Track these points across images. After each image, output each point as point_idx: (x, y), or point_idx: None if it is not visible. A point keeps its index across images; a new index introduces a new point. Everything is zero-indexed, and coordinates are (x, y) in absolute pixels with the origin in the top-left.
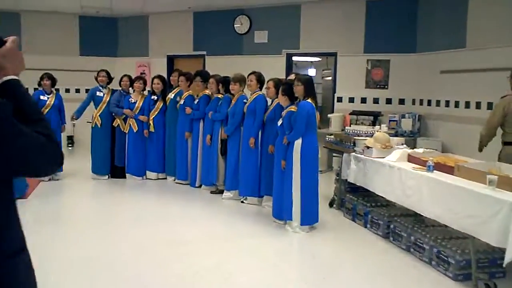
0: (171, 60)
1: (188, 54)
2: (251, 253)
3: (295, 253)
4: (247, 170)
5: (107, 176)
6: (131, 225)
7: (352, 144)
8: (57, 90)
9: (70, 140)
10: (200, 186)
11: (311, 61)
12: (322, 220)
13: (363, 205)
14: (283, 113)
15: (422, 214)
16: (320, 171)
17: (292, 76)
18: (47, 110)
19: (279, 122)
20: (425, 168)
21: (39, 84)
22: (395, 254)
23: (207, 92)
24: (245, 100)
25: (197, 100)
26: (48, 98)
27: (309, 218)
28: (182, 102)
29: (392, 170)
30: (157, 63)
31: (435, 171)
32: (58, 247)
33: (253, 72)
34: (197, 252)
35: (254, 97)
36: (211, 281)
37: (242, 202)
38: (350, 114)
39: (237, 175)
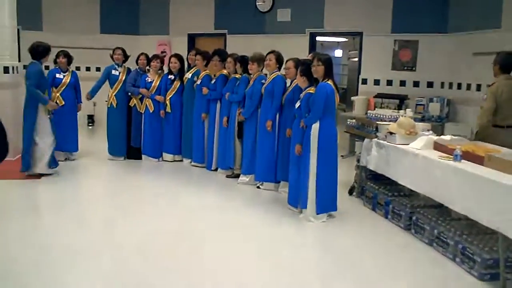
0: (192, 38)
1: (209, 32)
2: (262, 244)
3: (309, 245)
4: (264, 154)
5: (123, 157)
6: (142, 211)
7: (374, 129)
8: (78, 68)
9: (91, 119)
10: (216, 170)
11: (338, 42)
12: (340, 209)
13: (384, 194)
14: (301, 95)
15: (447, 207)
16: (342, 156)
17: (310, 56)
18: (62, 88)
19: (297, 105)
20: (452, 157)
21: (55, 62)
22: (416, 248)
23: (225, 72)
24: (263, 81)
25: (214, 80)
26: (64, 76)
27: (325, 206)
28: (199, 82)
29: (416, 158)
30: (178, 41)
31: (463, 160)
32: (65, 232)
33: (272, 51)
34: (207, 242)
35: (273, 77)
36: (220, 274)
37: (258, 187)
38: (375, 97)
39: (253, 159)
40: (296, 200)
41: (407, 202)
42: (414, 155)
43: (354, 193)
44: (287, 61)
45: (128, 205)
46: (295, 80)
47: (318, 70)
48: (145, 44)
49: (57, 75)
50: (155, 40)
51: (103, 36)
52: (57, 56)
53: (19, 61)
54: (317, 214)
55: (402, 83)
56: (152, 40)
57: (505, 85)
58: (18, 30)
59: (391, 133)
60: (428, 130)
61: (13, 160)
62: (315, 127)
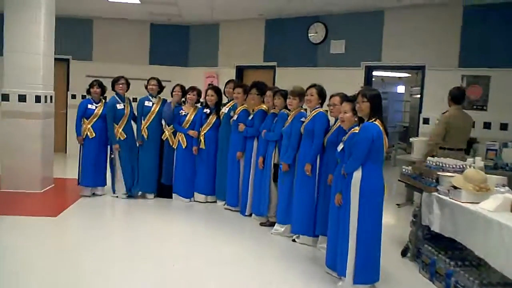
0: (240, 70)
1: (258, 64)
2: None
3: None
4: (301, 202)
5: (153, 195)
6: (167, 259)
7: (434, 181)
8: (105, 98)
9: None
10: (250, 215)
11: (399, 77)
12: (390, 275)
13: (446, 262)
14: (345, 137)
15: None
16: (397, 205)
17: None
18: (94, 120)
19: (339, 147)
20: None
21: (88, 92)
22: None
23: (264, 107)
24: (302, 119)
25: (251, 116)
26: (96, 107)
27: (365, 276)
28: (235, 117)
29: (490, 224)
30: (226, 73)
31: None
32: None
33: (313, 85)
34: None
35: (314, 114)
36: None
37: (293, 240)
38: None
39: (290, 207)
40: (335, 263)
41: (476, 276)
42: (486, 220)
43: (409, 255)
44: (331, 96)
45: (149, 251)
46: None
47: (362, 107)
48: (194, 75)
49: (89, 106)
50: (203, 71)
51: (152, 67)
52: (91, 85)
53: (68, 90)
54: (354, 284)
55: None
56: (200, 71)
57: (455, 114)
58: (68, 60)
59: (455, 187)
60: (504, 186)
61: (41, 192)
62: (357, 176)
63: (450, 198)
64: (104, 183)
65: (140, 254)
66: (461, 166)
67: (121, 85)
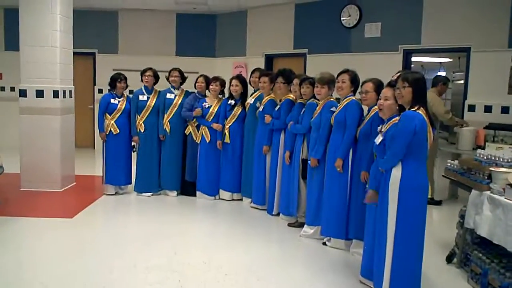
0: (269, 59)
1: (287, 52)
2: None
3: None
4: (332, 202)
5: (175, 193)
6: (189, 263)
7: (486, 178)
8: (131, 91)
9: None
10: (278, 214)
11: (440, 62)
12: (431, 284)
13: (500, 273)
14: (384, 127)
15: None
16: (439, 201)
17: (396, 76)
18: (118, 115)
19: (378, 140)
20: None
21: (112, 86)
22: None
23: (291, 96)
24: (333, 108)
25: (278, 106)
26: (119, 102)
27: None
28: (261, 108)
29: None
30: (255, 63)
31: None
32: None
33: (345, 71)
34: None
35: (345, 103)
36: None
37: (324, 244)
38: (485, 128)
39: (320, 207)
40: (371, 272)
41: None
42: None
43: (455, 261)
44: (363, 82)
45: (168, 256)
46: (375, 107)
47: (403, 93)
48: (221, 66)
49: (112, 100)
50: (231, 62)
51: (179, 58)
52: (118, 80)
53: (94, 84)
54: None
55: None
56: (228, 62)
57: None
58: (94, 53)
59: (511, 185)
60: None
61: (61, 192)
62: (396, 174)
63: (505, 198)
64: (129, 181)
65: (158, 259)
66: None
67: (147, 77)
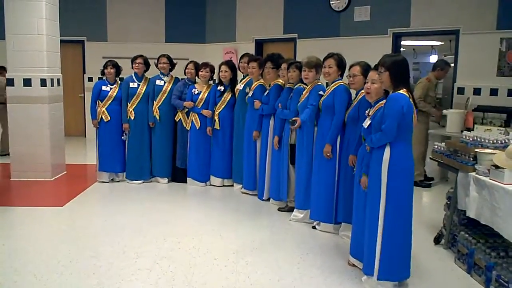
0: (259, 44)
1: (277, 37)
2: None
3: None
4: (320, 187)
5: (166, 180)
6: (181, 248)
7: (472, 159)
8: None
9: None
10: (268, 199)
11: (432, 46)
12: (419, 265)
13: (486, 253)
14: (371, 111)
15: None
16: (429, 183)
17: None
18: (109, 102)
19: (366, 123)
20: None
21: (102, 73)
22: None
23: (280, 81)
24: (321, 92)
25: (267, 92)
26: (110, 89)
27: (392, 272)
28: (250, 93)
29: None
30: (245, 48)
31: None
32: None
33: (331, 55)
34: None
35: (333, 88)
36: None
37: (313, 227)
38: (474, 110)
39: (308, 191)
40: (361, 253)
41: None
42: None
43: (442, 242)
44: (351, 66)
45: (160, 242)
46: (362, 91)
47: (383, 78)
48: (211, 52)
49: (103, 88)
50: (221, 47)
51: (169, 45)
52: (105, 66)
53: (84, 73)
54: (378, 280)
55: (511, 93)
56: (219, 48)
57: None
58: (83, 41)
59: (496, 166)
60: None
61: (52, 181)
62: (385, 156)
63: (490, 179)
64: (122, 169)
65: (148, 245)
66: (503, 141)
67: (137, 64)
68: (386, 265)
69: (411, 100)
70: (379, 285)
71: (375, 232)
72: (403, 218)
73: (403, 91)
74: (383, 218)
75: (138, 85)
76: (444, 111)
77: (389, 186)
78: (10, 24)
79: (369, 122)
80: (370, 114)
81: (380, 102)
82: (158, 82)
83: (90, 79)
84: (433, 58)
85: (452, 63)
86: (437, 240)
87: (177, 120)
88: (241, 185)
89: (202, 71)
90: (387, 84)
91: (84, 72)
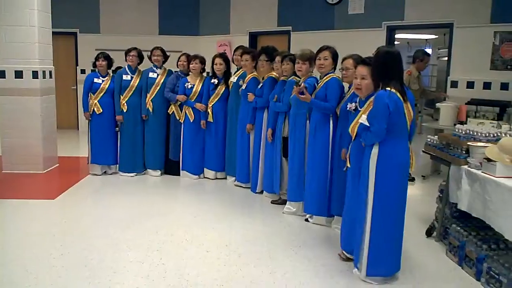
0: (253, 37)
1: (272, 30)
2: None
3: None
4: (313, 180)
5: (159, 172)
6: (174, 241)
7: (464, 152)
8: (113, 71)
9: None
10: (262, 192)
11: (426, 39)
12: (411, 257)
13: (477, 245)
14: (364, 108)
15: None
16: (422, 176)
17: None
18: (101, 94)
19: (363, 120)
20: None
21: (94, 65)
22: None
23: (274, 74)
24: (314, 84)
25: (261, 84)
26: (103, 81)
27: (380, 268)
28: (244, 86)
29: None
30: (239, 41)
31: None
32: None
33: (326, 47)
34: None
35: (326, 81)
36: None
37: (306, 220)
38: (467, 103)
39: (301, 184)
40: (351, 245)
41: None
42: None
43: (434, 235)
44: (344, 59)
45: (152, 234)
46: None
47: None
48: (205, 44)
49: (95, 80)
50: (215, 40)
51: (162, 37)
52: (97, 58)
53: (77, 65)
54: (367, 275)
55: (504, 86)
56: (212, 40)
57: None
58: (75, 33)
59: (488, 160)
60: None
61: (44, 173)
62: (374, 151)
63: (482, 172)
64: (115, 161)
65: (140, 238)
66: (496, 135)
67: (131, 57)
68: (373, 261)
69: (399, 95)
70: (368, 279)
71: (363, 228)
72: (392, 214)
73: (392, 88)
74: (371, 214)
75: (132, 77)
76: (437, 104)
77: (377, 181)
78: (1, 16)
79: (365, 117)
80: (359, 108)
81: (371, 98)
82: (151, 74)
83: (82, 72)
84: (427, 51)
85: (446, 56)
86: (429, 233)
87: (170, 113)
88: (234, 178)
89: (192, 63)
90: (372, 80)
91: (76, 65)
